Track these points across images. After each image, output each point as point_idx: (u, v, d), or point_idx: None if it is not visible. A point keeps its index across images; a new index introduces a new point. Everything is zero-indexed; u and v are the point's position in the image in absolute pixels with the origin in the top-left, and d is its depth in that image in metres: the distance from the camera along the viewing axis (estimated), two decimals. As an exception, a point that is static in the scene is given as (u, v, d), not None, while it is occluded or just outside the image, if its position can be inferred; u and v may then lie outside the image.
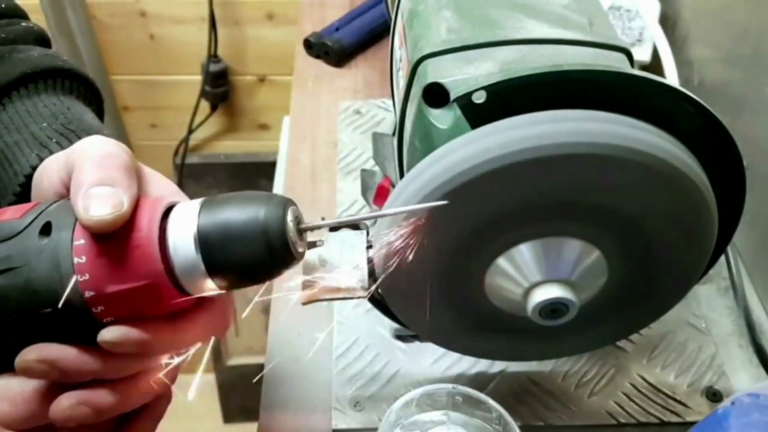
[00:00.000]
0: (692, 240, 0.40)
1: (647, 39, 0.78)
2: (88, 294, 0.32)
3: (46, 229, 0.33)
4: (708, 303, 0.59)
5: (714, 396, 0.53)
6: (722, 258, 0.56)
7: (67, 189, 0.34)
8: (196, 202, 0.34)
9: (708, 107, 0.38)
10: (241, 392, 1.68)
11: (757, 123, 0.61)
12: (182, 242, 0.32)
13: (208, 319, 0.35)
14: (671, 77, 0.69)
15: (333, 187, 0.69)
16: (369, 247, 0.43)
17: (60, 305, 0.32)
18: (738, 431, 0.36)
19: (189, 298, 0.34)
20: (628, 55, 0.42)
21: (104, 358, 0.33)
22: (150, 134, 1.42)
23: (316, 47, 0.87)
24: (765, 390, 0.37)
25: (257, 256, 0.33)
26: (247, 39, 1.29)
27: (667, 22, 0.78)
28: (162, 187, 0.37)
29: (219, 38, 1.26)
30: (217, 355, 1.63)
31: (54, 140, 0.39)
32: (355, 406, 0.52)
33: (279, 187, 0.86)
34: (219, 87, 1.32)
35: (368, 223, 0.42)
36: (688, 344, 0.56)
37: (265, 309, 0.59)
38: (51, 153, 0.38)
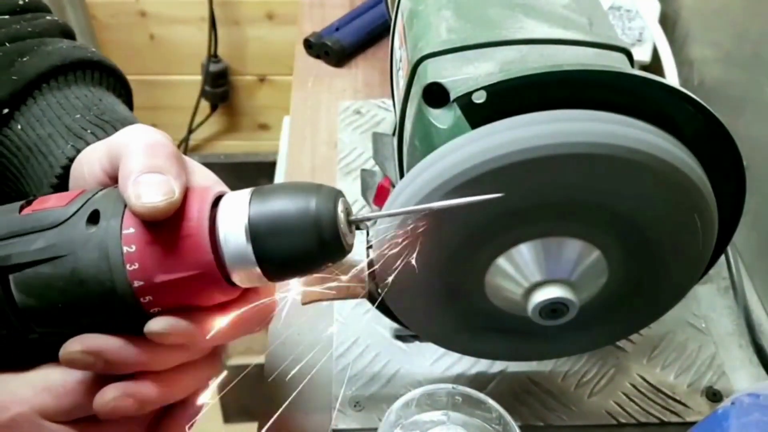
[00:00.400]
0: (692, 240, 0.40)
1: (647, 39, 0.78)
2: (137, 284, 0.31)
3: (93, 218, 0.32)
4: (708, 303, 0.59)
5: (714, 396, 0.53)
6: (722, 258, 0.56)
7: (110, 178, 0.34)
8: (246, 192, 0.33)
9: (708, 107, 0.38)
10: (241, 392, 1.68)
11: (757, 123, 0.61)
12: (233, 233, 0.32)
13: (254, 310, 0.35)
14: (671, 77, 0.69)
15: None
16: (369, 247, 0.43)
17: (109, 295, 0.31)
18: (738, 431, 0.36)
19: (237, 289, 0.34)
20: (628, 55, 0.42)
21: (150, 349, 0.33)
22: (150, 134, 1.42)
23: (316, 47, 0.87)
24: (765, 390, 0.37)
25: (308, 248, 0.32)
26: (247, 39, 1.29)
27: (667, 22, 0.78)
28: (204, 176, 0.37)
29: (219, 38, 1.26)
30: (217, 355, 1.63)
31: (89, 131, 0.39)
32: (355, 406, 0.52)
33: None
34: (219, 87, 1.32)
35: (368, 223, 0.42)
36: (688, 344, 0.56)
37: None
38: (87, 144, 0.38)
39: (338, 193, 0.34)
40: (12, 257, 0.32)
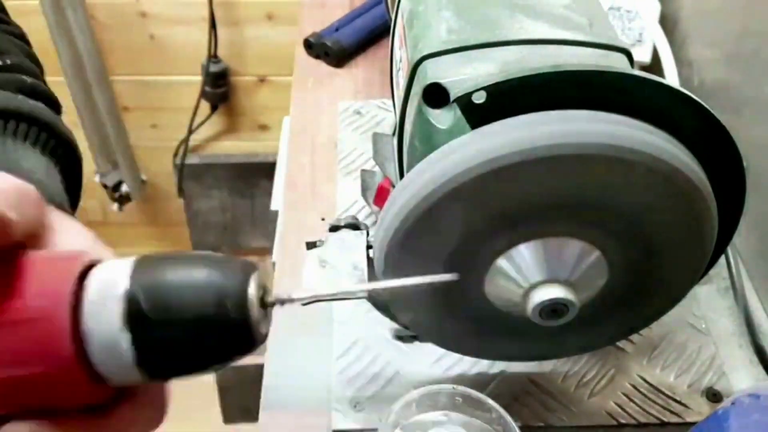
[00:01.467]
0: (692, 240, 0.40)
1: (647, 39, 0.78)
2: None
3: None
4: (708, 303, 0.59)
5: (714, 396, 0.53)
6: (722, 258, 0.56)
7: None
8: (127, 262, 0.25)
9: (708, 107, 0.38)
10: (241, 392, 1.68)
11: (757, 123, 0.61)
12: (103, 315, 0.24)
13: (136, 414, 0.28)
14: (671, 77, 0.69)
15: (333, 187, 0.69)
16: (369, 247, 0.43)
17: None
18: (738, 432, 0.36)
19: (108, 388, 0.26)
20: (628, 55, 0.42)
21: None
22: (150, 134, 1.42)
23: (316, 47, 0.87)
24: (765, 390, 0.37)
25: (206, 340, 0.25)
26: (247, 39, 1.29)
27: (667, 22, 0.78)
28: (74, 238, 0.29)
29: (219, 39, 1.26)
30: (217, 356, 1.63)
31: None
32: (355, 406, 0.52)
33: (279, 187, 0.86)
34: (219, 87, 1.32)
35: (368, 223, 0.42)
36: (688, 345, 0.56)
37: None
38: None
39: (251, 267, 0.26)
40: None
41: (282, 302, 0.28)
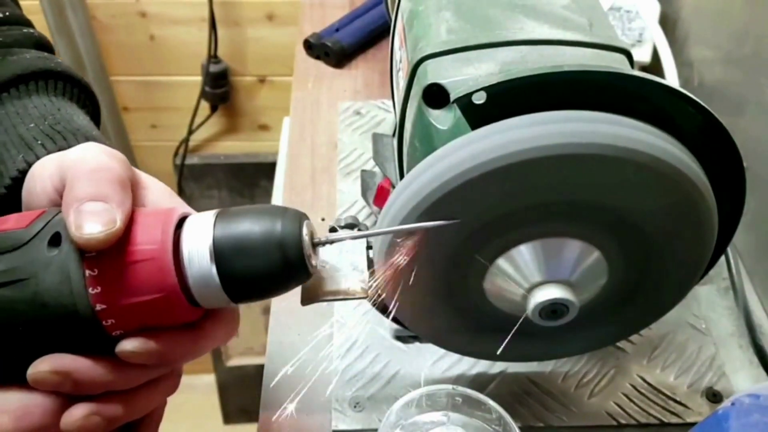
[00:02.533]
0: (692, 241, 0.40)
1: (647, 40, 0.78)
2: (99, 307, 0.31)
3: (54, 240, 0.32)
4: (708, 304, 0.59)
5: (714, 397, 0.53)
6: (722, 259, 0.56)
7: (61, 197, 0.34)
8: (210, 214, 0.33)
9: (708, 108, 0.38)
10: (241, 392, 1.68)
11: (757, 124, 0.61)
12: (198, 255, 0.32)
13: (218, 328, 0.35)
14: (671, 78, 0.69)
15: (333, 187, 0.69)
16: (369, 247, 0.43)
17: (71, 319, 0.31)
18: (738, 432, 0.36)
19: (201, 309, 0.34)
20: (628, 55, 0.42)
21: (117, 369, 0.33)
22: (150, 135, 1.42)
23: (316, 48, 0.87)
24: (765, 391, 0.37)
25: (273, 270, 0.32)
26: (247, 40, 1.29)
27: (667, 22, 0.78)
28: (160, 193, 0.36)
29: (219, 39, 1.26)
30: (217, 356, 1.63)
31: (39, 141, 0.39)
32: (355, 406, 0.52)
33: (279, 187, 0.86)
34: (219, 88, 1.32)
35: (368, 223, 0.42)
36: (688, 345, 0.56)
37: (265, 309, 0.59)
38: (37, 156, 0.38)
39: (303, 216, 0.34)
40: None
41: (325, 243, 0.35)
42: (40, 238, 0.32)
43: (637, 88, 0.37)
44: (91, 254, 0.31)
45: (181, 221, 0.33)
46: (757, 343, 0.57)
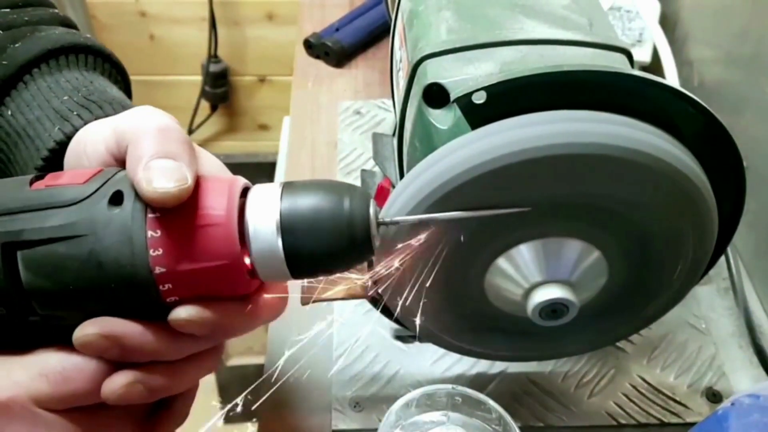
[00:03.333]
0: (692, 240, 0.40)
1: (647, 39, 0.78)
2: (158, 270, 0.30)
3: (116, 199, 0.31)
4: (708, 304, 0.59)
5: (714, 397, 0.53)
6: (722, 259, 0.56)
7: (116, 161, 0.33)
8: (276, 186, 0.32)
9: (708, 108, 0.38)
10: (241, 392, 1.68)
11: (757, 123, 0.61)
12: (264, 226, 0.31)
13: (271, 303, 0.35)
14: (671, 77, 0.69)
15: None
16: (369, 247, 0.43)
17: (127, 280, 0.30)
18: (738, 432, 0.36)
19: (256, 282, 0.33)
20: (628, 55, 0.42)
21: (166, 337, 0.32)
22: (150, 134, 1.42)
23: (316, 47, 0.87)
24: (765, 391, 0.37)
25: (340, 248, 0.31)
26: (247, 39, 1.29)
27: (667, 22, 0.78)
28: (214, 165, 0.36)
29: (219, 39, 1.26)
30: (217, 356, 1.63)
31: (75, 113, 0.38)
32: (354, 406, 0.52)
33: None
34: (219, 87, 1.32)
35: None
36: (688, 345, 0.56)
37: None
38: (74, 126, 0.37)
39: (369, 195, 0.33)
40: (23, 233, 0.30)
41: (389, 224, 0.34)
42: (101, 195, 0.31)
43: (637, 88, 0.37)
44: (155, 215, 0.30)
45: (245, 192, 0.32)
46: (756, 343, 0.57)
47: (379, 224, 0.33)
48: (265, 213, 0.31)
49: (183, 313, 0.31)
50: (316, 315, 0.58)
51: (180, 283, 0.31)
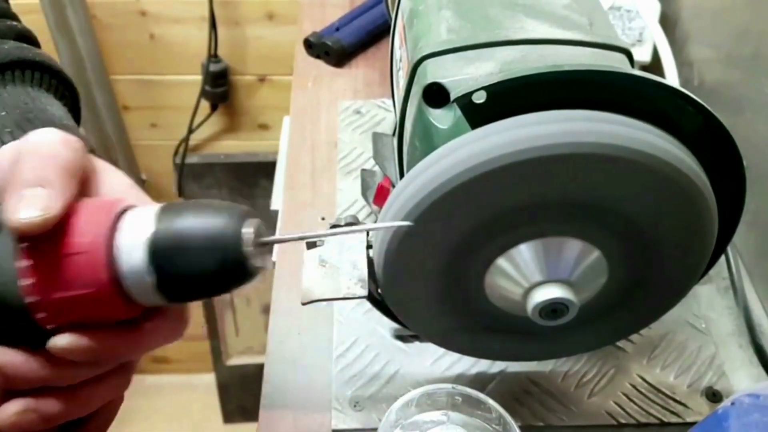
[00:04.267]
0: (692, 240, 0.40)
1: (647, 39, 0.78)
2: (31, 299, 0.30)
3: None
4: (708, 303, 0.59)
5: (714, 396, 0.53)
6: (722, 258, 0.56)
7: None
8: (154, 208, 0.32)
9: (708, 107, 0.38)
10: (241, 392, 1.68)
11: (758, 123, 0.61)
12: (132, 250, 0.30)
13: (160, 328, 0.34)
14: (671, 77, 0.69)
15: (333, 187, 0.69)
16: (369, 247, 0.43)
17: (1, 310, 0.30)
18: (738, 432, 0.36)
19: (140, 306, 0.32)
20: (629, 55, 0.42)
21: (53, 364, 0.31)
22: (150, 134, 1.42)
23: (316, 47, 0.87)
24: (765, 390, 0.37)
25: (209, 271, 0.31)
26: (247, 39, 1.29)
27: (668, 22, 0.78)
28: (116, 184, 0.35)
29: (219, 38, 1.26)
30: (217, 355, 1.63)
31: (8, 129, 0.37)
32: (354, 406, 0.52)
33: (279, 186, 0.86)
34: (219, 87, 1.32)
35: (368, 224, 0.42)
36: (687, 344, 0.56)
37: (265, 308, 0.59)
38: (3, 143, 0.36)
39: (248, 213, 0.32)
40: None
41: (271, 242, 0.33)
42: None
43: (637, 88, 0.37)
44: (26, 244, 0.30)
45: (124, 214, 0.32)
46: (756, 342, 0.57)
47: (260, 244, 0.32)
48: (135, 237, 0.31)
49: (60, 341, 0.31)
50: (316, 315, 0.58)
51: (55, 311, 0.31)
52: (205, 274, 0.31)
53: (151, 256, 0.30)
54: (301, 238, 0.36)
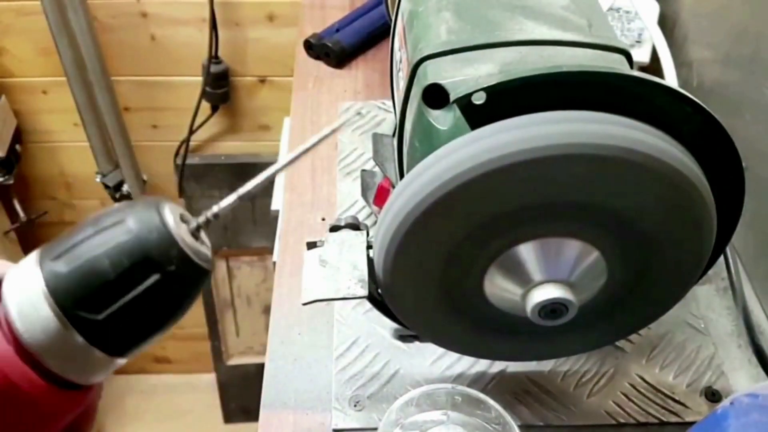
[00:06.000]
0: (691, 240, 0.40)
1: (646, 40, 0.78)
2: None
3: None
4: (707, 303, 0.59)
5: (713, 396, 0.53)
6: (721, 258, 0.56)
7: None
8: (31, 260, 0.24)
9: (707, 108, 0.38)
10: (241, 392, 1.68)
11: (756, 124, 0.61)
12: (36, 322, 0.22)
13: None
14: (670, 78, 0.69)
15: (333, 187, 0.70)
16: (369, 247, 0.43)
17: None
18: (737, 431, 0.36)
19: (79, 394, 0.23)
20: (627, 56, 0.42)
21: None
22: (151, 135, 1.42)
23: (316, 48, 0.87)
24: (764, 390, 0.37)
25: (150, 288, 0.22)
26: (247, 40, 1.29)
27: (666, 23, 0.78)
28: None
29: (220, 39, 1.26)
30: (218, 355, 1.63)
31: None
32: (355, 405, 0.52)
33: (279, 187, 0.86)
34: (220, 88, 1.32)
35: (368, 223, 0.42)
36: (687, 344, 0.56)
37: (266, 309, 0.59)
38: None
39: (160, 202, 0.24)
40: None
41: (208, 222, 0.25)
42: None
43: (636, 89, 0.38)
44: None
45: None
46: (755, 342, 0.57)
47: (197, 229, 0.25)
48: (26, 292, 0.22)
49: None
50: (316, 315, 0.58)
51: None
52: (147, 297, 0.22)
53: (58, 301, 0.22)
54: (238, 199, 0.29)
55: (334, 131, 0.32)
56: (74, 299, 0.22)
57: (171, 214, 0.23)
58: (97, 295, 0.22)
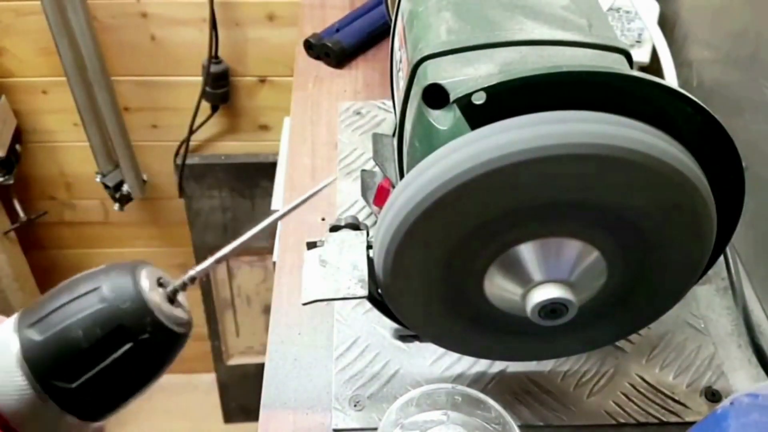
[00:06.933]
0: (691, 240, 0.40)
1: (646, 40, 0.78)
2: None
3: None
4: (707, 303, 0.59)
5: (713, 396, 0.53)
6: (721, 258, 0.56)
7: None
8: (9, 321, 0.24)
9: (707, 108, 0.38)
10: (241, 392, 1.68)
11: (756, 124, 0.61)
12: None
13: None
14: (670, 78, 0.69)
15: (333, 187, 0.70)
16: (369, 247, 0.43)
17: None
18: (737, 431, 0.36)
19: None
20: (627, 56, 0.42)
21: None
22: (151, 135, 1.42)
23: (316, 48, 0.87)
24: (764, 390, 0.37)
25: (124, 356, 0.23)
26: (247, 40, 1.29)
27: (666, 23, 0.78)
28: None
29: (220, 39, 1.26)
30: (218, 355, 1.63)
31: None
32: (355, 405, 0.52)
33: (279, 187, 0.86)
34: (220, 88, 1.32)
35: (368, 223, 0.42)
36: (687, 344, 0.56)
37: (266, 309, 0.59)
38: None
39: (136, 267, 0.24)
40: None
41: (185, 285, 0.26)
42: None
43: (636, 89, 0.38)
44: None
45: None
46: (755, 342, 0.57)
47: (173, 292, 0.25)
48: (5, 377, 0.22)
49: None
50: (316, 315, 0.58)
51: None
52: (120, 365, 0.23)
53: (35, 372, 0.22)
54: (216, 260, 0.29)
55: (325, 187, 0.34)
56: (48, 368, 0.22)
57: (147, 280, 0.24)
58: (70, 364, 0.22)
